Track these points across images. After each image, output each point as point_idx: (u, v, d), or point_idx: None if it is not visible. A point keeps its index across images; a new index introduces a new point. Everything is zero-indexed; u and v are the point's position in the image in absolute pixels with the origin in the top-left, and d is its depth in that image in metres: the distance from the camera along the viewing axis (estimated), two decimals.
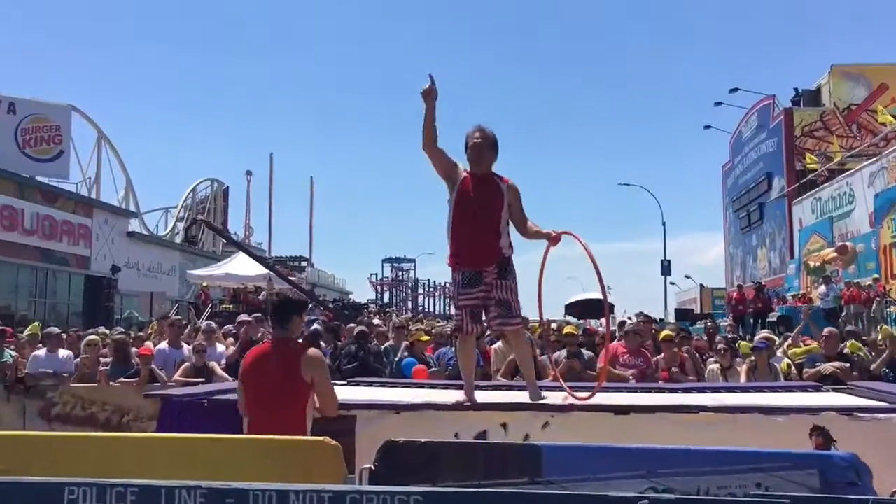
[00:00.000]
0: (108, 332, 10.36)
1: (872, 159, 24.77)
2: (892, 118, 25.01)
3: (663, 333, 7.65)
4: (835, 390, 5.74)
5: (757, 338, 8.37)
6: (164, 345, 8.61)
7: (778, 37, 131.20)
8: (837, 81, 32.67)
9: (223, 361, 8.50)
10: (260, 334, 8.81)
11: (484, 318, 4.88)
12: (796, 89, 35.43)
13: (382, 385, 6.28)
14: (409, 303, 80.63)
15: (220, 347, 9.01)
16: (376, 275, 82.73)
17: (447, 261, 4.85)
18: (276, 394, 3.82)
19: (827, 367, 7.17)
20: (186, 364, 7.76)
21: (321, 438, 3.25)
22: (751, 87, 38.25)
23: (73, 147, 33.07)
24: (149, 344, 9.11)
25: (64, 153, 31.83)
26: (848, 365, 7.30)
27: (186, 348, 8.54)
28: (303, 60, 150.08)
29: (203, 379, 7.41)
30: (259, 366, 3.92)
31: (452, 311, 5.51)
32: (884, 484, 2.76)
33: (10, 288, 28.29)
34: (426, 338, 8.95)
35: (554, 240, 4.71)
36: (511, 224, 4.84)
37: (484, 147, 4.76)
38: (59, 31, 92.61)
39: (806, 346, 8.87)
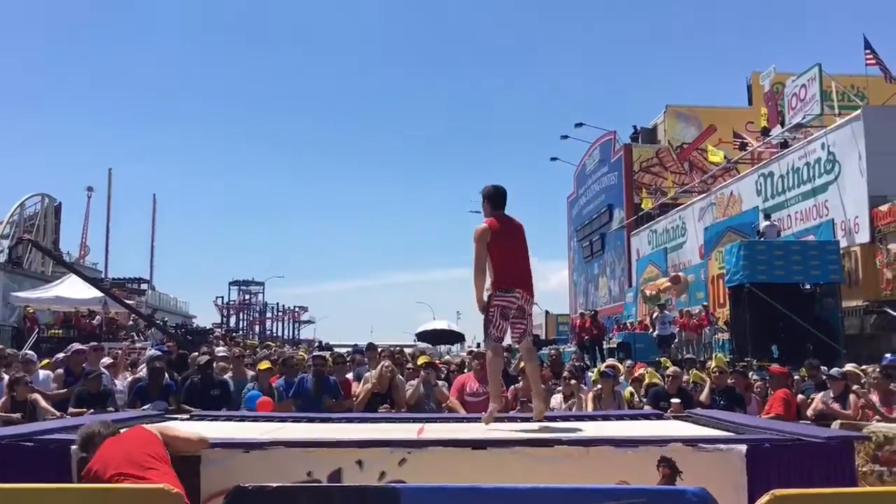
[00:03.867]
0: None
1: (702, 195, 26.67)
2: (722, 157, 27.03)
3: (522, 365, 7.76)
4: (676, 418, 5.98)
5: (603, 366, 8.67)
6: None
7: (621, 76, 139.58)
8: (671, 121, 35.12)
9: (51, 385, 7.81)
10: (85, 366, 8.15)
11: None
12: (635, 126, 37.76)
13: (229, 419, 5.95)
14: (257, 327, 78.25)
15: (42, 374, 8.28)
16: (222, 298, 79.62)
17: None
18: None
19: None
20: (4, 398, 7.03)
21: (161, 485, 3.03)
22: (595, 122, 40.37)
23: None
24: None
25: None
26: None
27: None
28: (150, 64, 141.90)
29: (22, 414, 6.75)
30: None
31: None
32: None
33: None
34: (266, 365, 8.63)
35: None
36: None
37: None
38: None
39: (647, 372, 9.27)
